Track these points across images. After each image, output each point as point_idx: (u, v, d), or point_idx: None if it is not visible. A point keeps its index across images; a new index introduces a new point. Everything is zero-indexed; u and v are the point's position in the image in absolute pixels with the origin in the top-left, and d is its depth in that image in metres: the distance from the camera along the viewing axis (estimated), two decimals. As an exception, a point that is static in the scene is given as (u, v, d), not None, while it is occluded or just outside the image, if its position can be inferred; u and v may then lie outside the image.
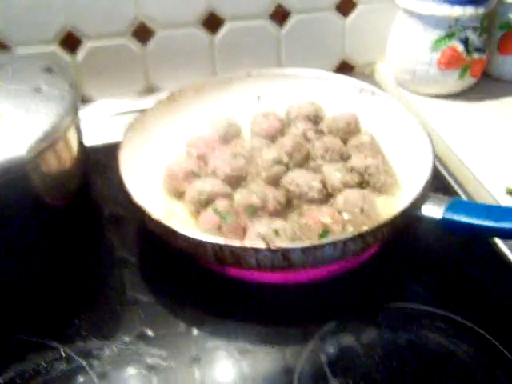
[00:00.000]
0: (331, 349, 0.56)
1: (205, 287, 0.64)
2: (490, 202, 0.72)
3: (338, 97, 0.84)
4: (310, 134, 0.77)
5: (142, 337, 0.59)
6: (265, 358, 0.57)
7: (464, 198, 0.76)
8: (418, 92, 0.94)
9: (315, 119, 0.81)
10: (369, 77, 1.02)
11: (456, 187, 0.78)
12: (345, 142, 0.77)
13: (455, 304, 0.60)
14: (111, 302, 0.64)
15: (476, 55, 0.89)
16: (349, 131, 0.78)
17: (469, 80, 0.91)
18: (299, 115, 0.81)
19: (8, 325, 0.61)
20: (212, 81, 0.86)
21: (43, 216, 0.66)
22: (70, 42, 0.91)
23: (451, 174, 0.80)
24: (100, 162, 0.82)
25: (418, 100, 0.93)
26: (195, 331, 0.60)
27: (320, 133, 0.79)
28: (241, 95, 0.85)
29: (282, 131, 0.80)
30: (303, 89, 0.85)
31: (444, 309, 0.59)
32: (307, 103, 0.82)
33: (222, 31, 0.96)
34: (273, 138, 0.78)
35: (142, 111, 0.78)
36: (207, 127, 0.81)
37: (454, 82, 0.91)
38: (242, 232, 0.64)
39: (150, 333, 0.60)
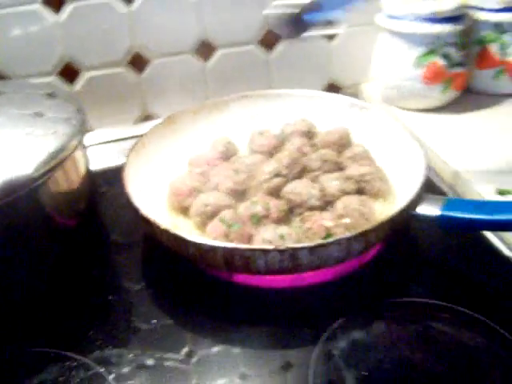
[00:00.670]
0: (343, 343, 0.58)
1: (212, 308, 0.65)
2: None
3: (328, 113, 0.87)
4: (306, 149, 0.80)
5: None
6: (279, 357, 0.58)
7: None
8: (404, 107, 0.98)
9: (309, 135, 0.84)
10: (355, 96, 1.05)
11: (448, 192, 0.81)
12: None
13: (456, 296, 0.62)
14: (117, 321, 0.65)
15: (457, 69, 0.93)
16: (341, 145, 0.81)
17: (452, 93, 0.95)
18: (294, 132, 0.84)
19: (23, 339, 0.62)
20: (209, 103, 0.89)
21: (51, 234, 0.67)
22: (69, 72, 0.94)
23: (443, 182, 0.83)
24: (99, 187, 0.85)
25: (405, 114, 0.96)
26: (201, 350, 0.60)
27: (314, 147, 0.82)
28: (236, 116, 0.88)
29: (278, 148, 0.82)
30: (295, 107, 0.89)
31: (446, 301, 0.61)
32: (300, 120, 0.86)
33: (214, 58, 0.99)
34: (270, 154, 0.81)
35: (144, 133, 0.81)
36: (206, 147, 0.83)
37: (438, 95, 0.95)
38: (248, 240, 0.66)
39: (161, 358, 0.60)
